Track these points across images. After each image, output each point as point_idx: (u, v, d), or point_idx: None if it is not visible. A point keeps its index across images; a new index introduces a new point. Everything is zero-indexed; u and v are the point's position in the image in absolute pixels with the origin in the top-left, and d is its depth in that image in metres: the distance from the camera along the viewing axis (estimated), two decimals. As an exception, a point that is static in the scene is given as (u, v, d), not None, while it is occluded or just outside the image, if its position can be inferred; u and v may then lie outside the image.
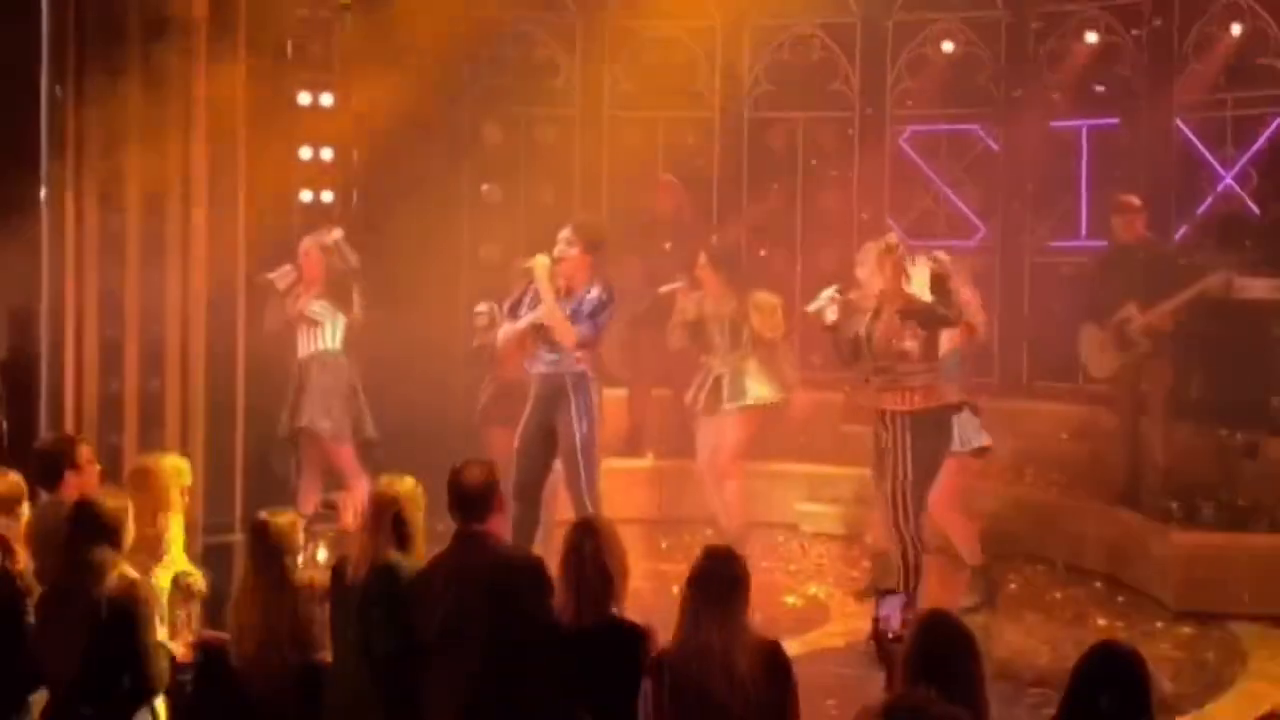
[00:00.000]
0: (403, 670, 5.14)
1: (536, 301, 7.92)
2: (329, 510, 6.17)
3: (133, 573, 5.16)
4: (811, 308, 7.75)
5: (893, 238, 7.66)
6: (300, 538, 5.41)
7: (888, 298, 7.43)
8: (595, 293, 7.82)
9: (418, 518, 5.29)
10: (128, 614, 5.05)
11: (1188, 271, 9.18)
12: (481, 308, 9.19)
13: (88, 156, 9.66)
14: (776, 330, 8.99)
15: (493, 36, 11.73)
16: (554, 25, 11.89)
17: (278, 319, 9.12)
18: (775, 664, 4.53)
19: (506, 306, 8.21)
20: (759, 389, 8.97)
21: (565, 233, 7.96)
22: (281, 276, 9.03)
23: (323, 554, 8.73)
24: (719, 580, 4.51)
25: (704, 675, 4.41)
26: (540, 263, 7.86)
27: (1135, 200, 9.35)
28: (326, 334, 8.94)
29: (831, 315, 7.57)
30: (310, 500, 8.87)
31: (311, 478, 8.96)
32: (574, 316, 7.79)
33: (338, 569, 5.36)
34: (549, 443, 7.88)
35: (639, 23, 11.92)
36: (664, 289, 9.27)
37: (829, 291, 7.62)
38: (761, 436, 9.58)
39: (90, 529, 5.15)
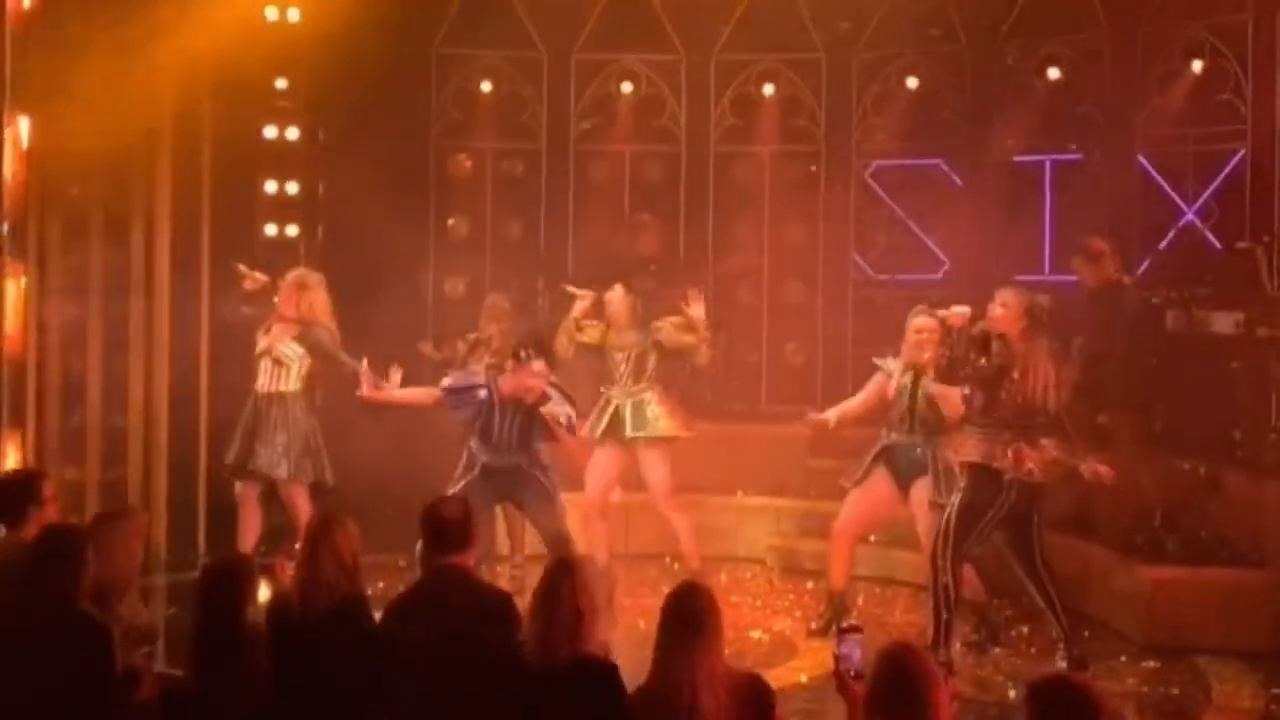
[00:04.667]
0: (366, 704, 5.09)
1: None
2: (274, 562, 6.09)
3: (91, 609, 5.11)
4: (941, 313, 7.68)
5: (1044, 299, 7.62)
6: (255, 578, 5.34)
7: (1021, 356, 7.35)
8: (562, 404, 8.22)
9: (359, 552, 5.28)
10: (94, 647, 4.99)
11: (1150, 311, 9.21)
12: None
13: (51, 189, 9.64)
14: (681, 342, 8.98)
15: (458, 71, 11.79)
16: (520, 60, 11.92)
17: (229, 309, 9.12)
18: (754, 698, 4.46)
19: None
20: (663, 421, 8.99)
21: (540, 366, 8.14)
22: (250, 278, 8.99)
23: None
24: (686, 617, 4.47)
25: (676, 715, 4.37)
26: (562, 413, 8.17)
27: (1101, 244, 9.33)
28: (291, 374, 8.87)
29: (958, 321, 7.50)
30: (250, 538, 8.78)
31: (251, 514, 8.86)
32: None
33: (279, 608, 5.29)
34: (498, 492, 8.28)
35: (605, 57, 11.97)
36: (570, 289, 9.28)
37: (964, 309, 7.56)
38: (727, 470, 9.61)
39: (55, 559, 5.10)
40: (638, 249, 11.10)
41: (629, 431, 8.96)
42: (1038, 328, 7.39)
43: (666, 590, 4.66)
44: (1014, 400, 7.29)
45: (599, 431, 9.03)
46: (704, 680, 4.36)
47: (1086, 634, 8.39)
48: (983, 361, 7.33)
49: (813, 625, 8.46)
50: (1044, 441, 7.38)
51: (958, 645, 7.64)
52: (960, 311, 7.51)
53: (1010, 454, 7.27)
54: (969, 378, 7.39)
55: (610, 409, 9.03)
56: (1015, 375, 7.28)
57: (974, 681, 7.43)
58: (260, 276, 9.01)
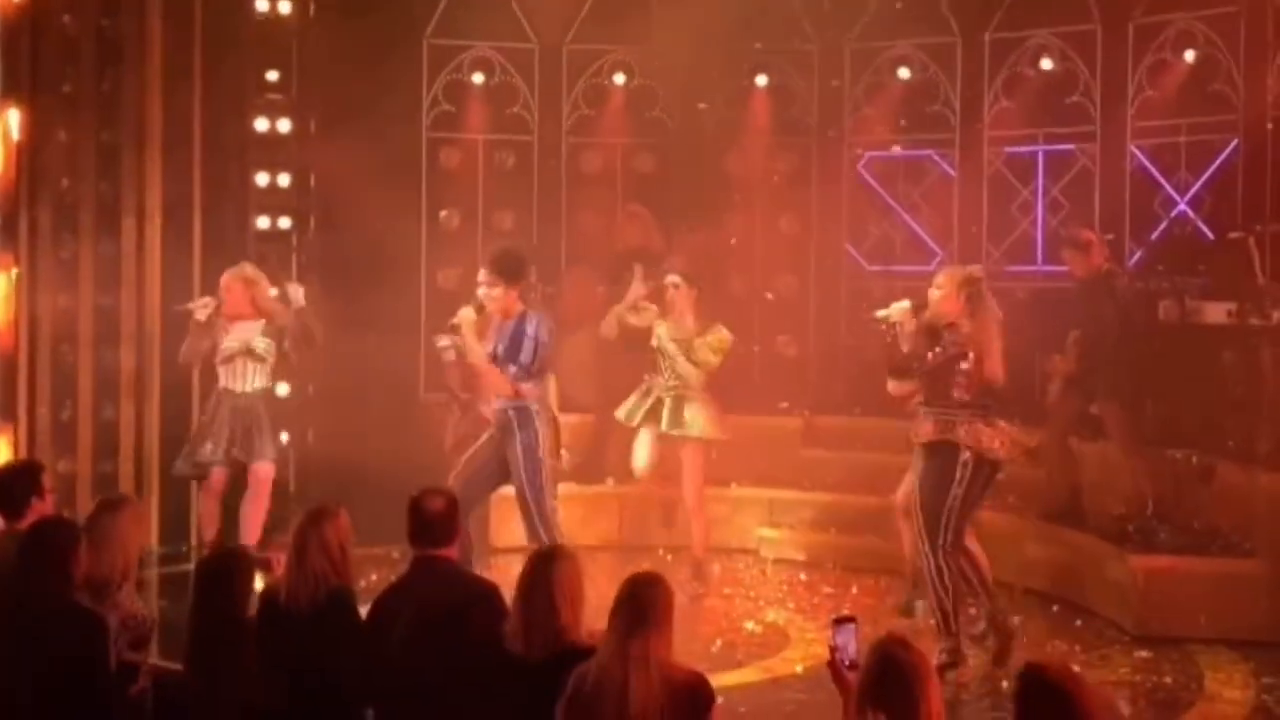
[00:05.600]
0: (353, 695, 5.09)
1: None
2: (270, 556, 6.07)
3: (85, 602, 5.11)
4: (881, 313, 7.57)
5: (977, 270, 7.61)
6: (252, 572, 5.35)
7: (972, 338, 7.28)
8: (530, 330, 7.79)
9: (350, 544, 5.27)
10: (88, 640, 4.98)
11: (1140, 300, 9.21)
12: (444, 341, 9.17)
13: (42, 181, 9.63)
14: (708, 365, 9.08)
15: (450, 62, 11.77)
16: (512, 51, 11.90)
17: (196, 351, 9.00)
18: (691, 696, 4.40)
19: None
20: (699, 423, 9.11)
21: (482, 274, 7.88)
22: (201, 307, 8.93)
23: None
24: (628, 609, 4.44)
25: (601, 703, 4.35)
26: (466, 319, 7.82)
27: (1089, 234, 9.33)
28: (266, 368, 8.93)
29: (899, 316, 7.45)
30: (212, 528, 8.80)
31: (215, 507, 8.87)
32: (509, 357, 7.77)
33: (267, 600, 5.28)
34: (497, 472, 7.91)
35: (597, 48, 11.95)
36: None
37: (905, 303, 7.49)
38: (720, 461, 9.62)
39: (46, 554, 5.09)
40: (629, 240, 11.07)
41: (664, 427, 9.10)
42: (979, 299, 7.35)
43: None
44: (972, 382, 7.26)
45: (638, 418, 9.20)
46: (637, 668, 4.33)
47: (1079, 623, 8.42)
48: (934, 353, 7.29)
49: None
50: (1000, 422, 7.38)
51: (964, 635, 7.58)
52: (901, 307, 7.46)
53: (969, 432, 7.25)
54: (924, 371, 7.34)
55: (650, 398, 9.19)
56: (970, 358, 7.25)
57: (966, 672, 7.42)
58: (208, 301, 8.95)
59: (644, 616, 4.39)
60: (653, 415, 9.15)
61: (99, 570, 5.35)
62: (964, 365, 7.22)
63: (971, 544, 7.55)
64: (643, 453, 9.31)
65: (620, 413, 9.33)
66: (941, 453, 7.29)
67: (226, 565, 5.28)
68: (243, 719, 5.00)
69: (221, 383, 8.94)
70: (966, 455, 7.23)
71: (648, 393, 9.22)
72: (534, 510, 7.74)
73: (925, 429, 7.37)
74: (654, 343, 9.16)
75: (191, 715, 5.10)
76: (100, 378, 9.88)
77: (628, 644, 4.35)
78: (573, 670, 4.51)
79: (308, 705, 5.07)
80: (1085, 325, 9.02)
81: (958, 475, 7.24)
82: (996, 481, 7.51)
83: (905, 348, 7.39)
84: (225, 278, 8.99)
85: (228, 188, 10.44)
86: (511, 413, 7.82)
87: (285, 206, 10.75)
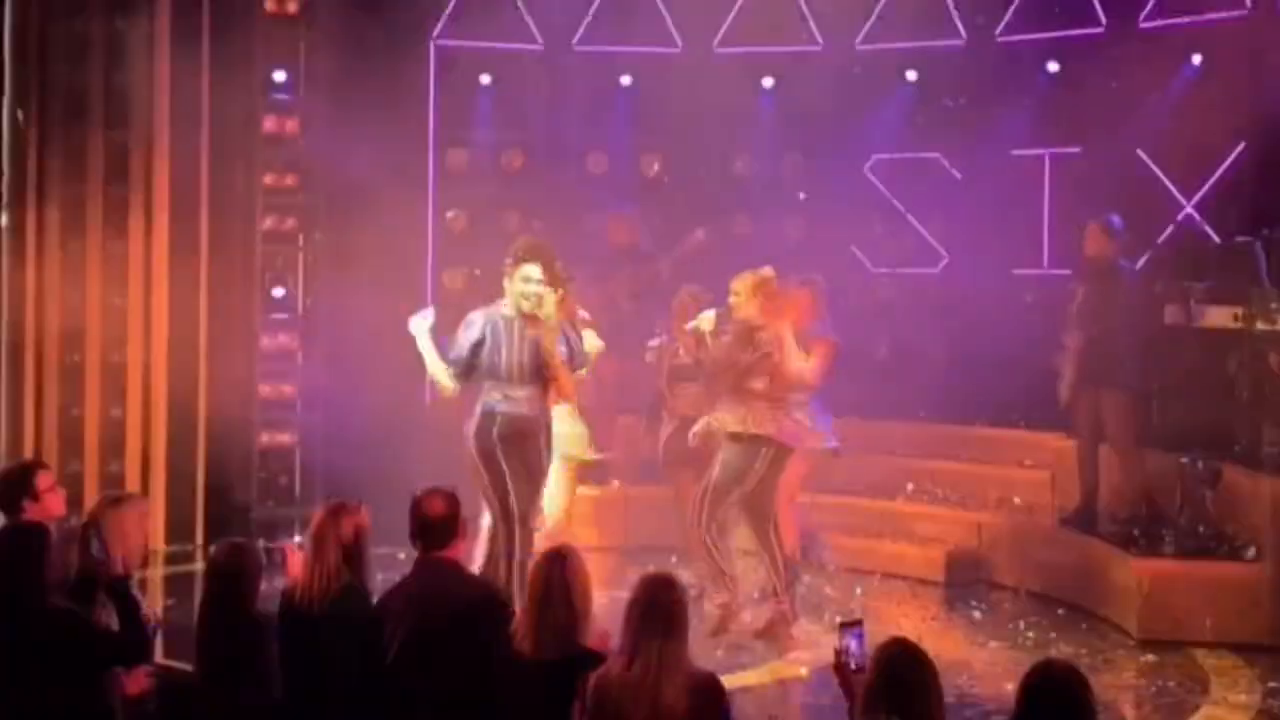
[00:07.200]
0: (363, 697, 5.10)
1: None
2: (280, 547, 6.03)
3: (63, 602, 5.09)
4: (690, 325, 7.93)
5: (768, 270, 7.85)
6: (259, 566, 5.35)
7: (775, 339, 7.70)
8: (574, 332, 7.37)
9: (368, 544, 5.27)
10: (64, 644, 4.97)
11: (1145, 301, 9.21)
12: (653, 343, 8.85)
13: (50, 182, 9.66)
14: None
15: (457, 63, 11.78)
16: (519, 53, 11.91)
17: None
18: (708, 699, 4.42)
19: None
20: (566, 440, 7.83)
21: (536, 270, 7.05)
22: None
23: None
24: (652, 610, 4.45)
25: (628, 706, 4.36)
26: (552, 321, 7.03)
27: (1120, 222, 9.26)
28: None
29: (707, 326, 7.84)
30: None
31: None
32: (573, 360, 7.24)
33: (286, 596, 5.30)
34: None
35: (605, 49, 11.95)
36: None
37: (710, 313, 7.85)
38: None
39: (14, 559, 5.07)
40: (616, 241, 11.05)
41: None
42: (774, 299, 7.76)
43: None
44: (774, 377, 7.69)
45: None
46: (668, 673, 4.35)
47: (1084, 626, 8.42)
48: (746, 354, 7.68)
49: None
50: (797, 415, 7.87)
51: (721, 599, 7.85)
52: (707, 317, 7.85)
53: (771, 424, 7.67)
54: (740, 373, 7.69)
55: None
56: (776, 358, 7.69)
57: (971, 675, 7.44)
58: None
59: (670, 622, 4.41)
60: None
61: (102, 565, 5.34)
62: (770, 362, 7.66)
63: (783, 526, 8.03)
64: (560, 492, 7.96)
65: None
66: (745, 441, 7.70)
67: (238, 561, 5.29)
68: (254, 716, 5.02)
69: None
70: (768, 445, 7.69)
71: None
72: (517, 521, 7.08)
73: (733, 419, 7.74)
74: None
75: (199, 714, 5.11)
76: (108, 377, 9.90)
77: (659, 651, 4.37)
78: (581, 672, 4.52)
79: (319, 703, 5.09)
80: (1093, 311, 8.99)
81: (757, 464, 7.70)
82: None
83: (716, 353, 7.80)
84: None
85: (235, 187, 10.46)
86: (541, 423, 7.20)
87: (292, 206, 10.77)
